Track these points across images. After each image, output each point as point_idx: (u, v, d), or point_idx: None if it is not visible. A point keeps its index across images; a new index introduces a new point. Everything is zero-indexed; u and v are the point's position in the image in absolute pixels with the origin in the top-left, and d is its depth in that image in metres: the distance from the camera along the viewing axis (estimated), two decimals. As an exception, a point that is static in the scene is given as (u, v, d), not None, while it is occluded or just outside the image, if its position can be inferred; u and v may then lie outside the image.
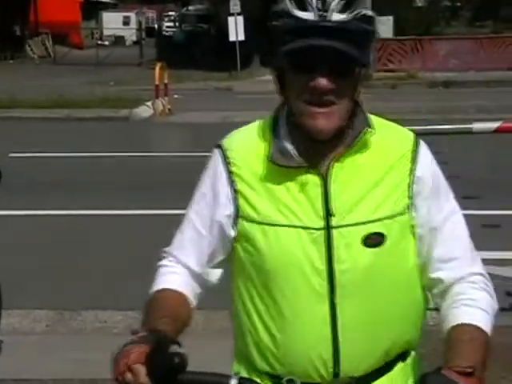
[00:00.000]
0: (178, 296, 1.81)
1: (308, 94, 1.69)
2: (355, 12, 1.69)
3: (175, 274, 1.85)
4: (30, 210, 8.12)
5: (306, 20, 1.66)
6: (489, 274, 1.86)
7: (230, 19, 24.66)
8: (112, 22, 49.13)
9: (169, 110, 16.67)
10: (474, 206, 7.89)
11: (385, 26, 25.99)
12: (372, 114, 1.84)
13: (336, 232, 1.74)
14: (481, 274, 1.82)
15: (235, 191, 1.80)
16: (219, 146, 1.85)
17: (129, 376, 1.56)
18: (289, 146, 1.77)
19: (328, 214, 1.74)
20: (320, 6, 1.67)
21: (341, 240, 1.74)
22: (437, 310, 1.84)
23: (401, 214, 1.77)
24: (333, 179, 1.75)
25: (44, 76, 25.81)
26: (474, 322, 1.71)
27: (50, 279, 6.06)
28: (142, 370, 1.55)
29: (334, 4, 1.68)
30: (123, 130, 14.41)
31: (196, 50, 30.77)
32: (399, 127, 1.88)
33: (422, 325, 1.88)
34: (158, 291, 1.81)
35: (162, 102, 16.73)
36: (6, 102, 16.76)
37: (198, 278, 1.85)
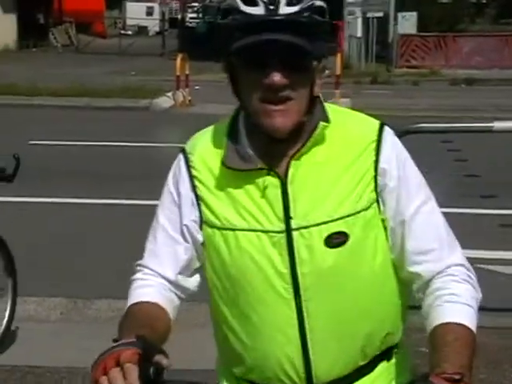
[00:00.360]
0: (155, 309, 1.71)
1: (262, 91, 1.62)
2: (305, 3, 1.63)
3: (150, 287, 1.76)
4: (48, 197, 8.16)
5: (254, 15, 1.60)
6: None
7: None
8: (135, 11, 49.15)
9: (189, 101, 16.67)
10: (493, 206, 7.84)
11: (408, 22, 25.84)
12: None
13: (297, 234, 1.68)
14: (461, 265, 1.73)
15: (197, 196, 1.75)
16: (183, 150, 1.81)
17: (116, 374, 1.41)
18: (246, 148, 1.71)
19: (288, 215, 1.69)
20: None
21: (302, 242, 1.68)
22: (419, 308, 1.75)
23: (365, 209, 1.70)
24: (290, 179, 1.69)
25: (66, 64, 25.90)
26: (458, 320, 1.62)
27: (64, 267, 6.09)
28: (134, 370, 1.41)
29: None
30: (143, 120, 14.43)
31: (218, 41, 30.67)
32: (363, 117, 1.80)
33: (405, 321, 1.82)
34: (134, 305, 1.72)
35: (183, 93, 16.73)
36: (28, 90, 16.82)
37: (176, 287, 1.78)
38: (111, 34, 42.31)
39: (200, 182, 1.75)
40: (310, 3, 1.63)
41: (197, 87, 18.11)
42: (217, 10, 40.37)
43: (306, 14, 1.62)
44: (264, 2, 1.60)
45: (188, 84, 17.00)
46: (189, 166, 1.77)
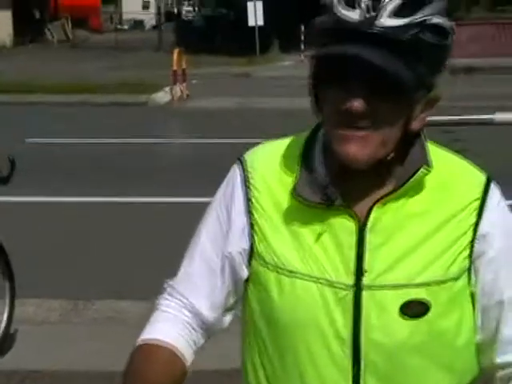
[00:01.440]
0: (168, 359, 1.46)
1: (339, 114, 1.35)
2: (417, 17, 1.30)
3: (173, 324, 1.50)
4: (45, 196, 8.09)
5: (346, 21, 1.31)
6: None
7: (249, 4, 24.53)
8: (131, 6, 49.11)
9: (187, 95, 16.60)
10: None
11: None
12: None
13: (368, 293, 1.40)
14: None
15: (252, 223, 1.46)
16: (241, 162, 1.51)
17: None
18: (321, 178, 1.42)
19: (360, 269, 1.40)
20: (370, 4, 1.30)
21: (373, 304, 1.40)
22: None
23: (455, 278, 1.41)
24: (371, 226, 1.41)
25: (62, 60, 25.80)
26: None
27: (63, 268, 6.02)
28: None
29: (388, 3, 1.30)
30: (141, 115, 14.36)
31: (215, 35, 30.66)
32: (468, 166, 1.49)
33: None
34: (146, 346, 1.47)
35: (180, 87, 16.67)
36: (24, 87, 16.74)
37: (207, 325, 1.51)
38: (107, 29, 42.24)
39: (258, 206, 1.46)
40: (424, 18, 1.31)
41: (194, 81, 18.04)
42: (214, 3, 40.38)
43: (413, 32, 1.30)
44: (366, 7, 1.30)
45: (185, 78, 16.95)
46: (247, 184, 1.48)
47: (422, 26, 1.31)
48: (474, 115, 4.30)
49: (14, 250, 4.68)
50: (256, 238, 1.46)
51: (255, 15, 24.30)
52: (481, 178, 1.47)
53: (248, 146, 1.57)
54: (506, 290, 1.44)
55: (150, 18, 46.50)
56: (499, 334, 1.45)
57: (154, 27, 41.19)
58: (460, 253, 1.42)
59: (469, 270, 1.43)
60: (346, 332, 1.41)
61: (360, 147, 1.35)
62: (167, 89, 16.70)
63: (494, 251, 1.43)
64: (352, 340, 1.41)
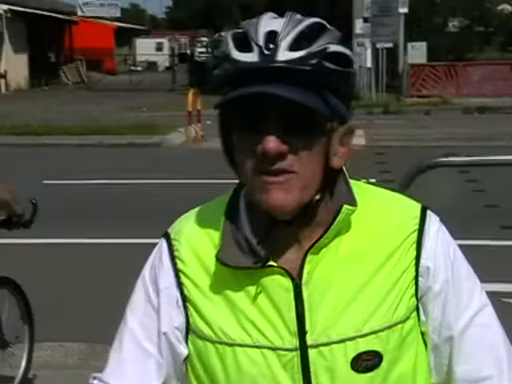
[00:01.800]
0: None
1: (256, 160, 1.25)
2: (314, 47, 1.26)
3: None
4: (61, 238, 8.09)
5: (245, 63, 1.25)
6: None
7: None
8: (145, 47, 49.62)
9: (201, 136, 16.66)
10: (514, 237, 7.73)
11: (418, 52, 25.92)
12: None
13: (314, 352, 1.30)
14: None
15: (184, 297, 1.36)
16: (165, 236, 1.43)
17: None
18: (248, 238, 1.33)
19: (303, 328, 1.30)
20: (265, 42, 1.25)
21: (321, 363, 1.30)
22: None
23: (403, 320, 1.32)
24: (306, 280, 1.31)
25: (77, 102, 26.03)
26: None
27: (80, 310, 5.99)
28: None
29: (283, 39, 1.26)
30: (156, 156, 14.42)
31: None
32: (400, 198, 1.42)
33: None
34: None
35: (195, 128, 16.75)
36: (40, 129, 16.89)
37: None
38: (121, 71, 42.66)
39: (188, 278, 1.36)
40: (322, 47, 1.27)
41: (209, 122, 18.13)
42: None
43: (314, 61, 1.25)
44: (258, 47, 1.25)
45: (200, 119, 17.02)
46: (173, 256, 1.38)
47: (322, 54, 1.26)
48: (498, 156, 4.24)
49: (29, 292, 4.66)
50: (190, 311, 1.36)
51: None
52: (415, 208, 1.38)
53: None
54: (454, 324, 1.36)
55: (163, 60, 46.93)
56: (453, 374, 1.37)
57: (168, 68, 41.58)
58: (404, 292, 1.33)
59: (417, 308, 1.34)
60: None
61: (283, 193, 1.26)
62: (182, 129, 16.78)
63: (439, 284, 1.35)
64: None
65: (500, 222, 8.24)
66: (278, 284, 1.31)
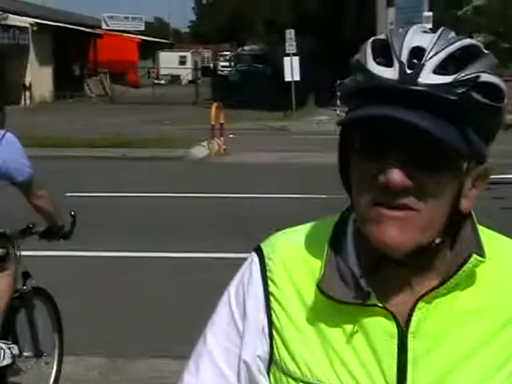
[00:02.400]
0: None
1: (375, 190, 1.11)
2: (464, 74, 1.09)
3: None
4: (84, 251, 8.07)
5: (382, 80, 1.09)
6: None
7: (286, 59, 24.74)
8: (168, 61, 49.89)
9: (224, 149, 16.66)
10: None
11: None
12: None
13: None
14: None
15: (271, 323, 1.22)
16: (258, 252, 1.28)
17: None
18: (352, 270, 1.18)
19: (402, 381, 1.15)
20: (408, 59, 1.09)
21: None
22: None
23: None
24: (415, 330, 1.16)
25: (101, 115, 26.17)
26: None
27: (101, 325, 5.95)
28: None
29: (430, 59, 1.09)
30: (178, 170, 14.42)
31: (251, 89, 30.96)
32: None
33: None
34: None
35: (218, 142, 16.75)
36: (63, 141, 16.97)
37: None
38: (144, 84, 42.87)
39: (279, 303, 1.22)
40: (473, 75, 1.09)
41: (231, 136, 18.13)
42: (250, 58, 40.86)
43: (461, 90, 1.08)
44: (400, 63, 1.09)
45: (223, 133, 17.03)
46: (265, 277, 1.24)
47: (471, 84, 1.08)
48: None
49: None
50: (276, 340, 1.22)
51: (291, 70, 24.47)
52: None
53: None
54: None
55: (186, 73, 47.11)
56: None
57: (191, 82, 41.73)
58: None
59: None
60: None
61: (400, 231, 1.10)
62: (204, 143, 16.79)
63: None
64: None
65: None
66: (381, 327, 1.17)
